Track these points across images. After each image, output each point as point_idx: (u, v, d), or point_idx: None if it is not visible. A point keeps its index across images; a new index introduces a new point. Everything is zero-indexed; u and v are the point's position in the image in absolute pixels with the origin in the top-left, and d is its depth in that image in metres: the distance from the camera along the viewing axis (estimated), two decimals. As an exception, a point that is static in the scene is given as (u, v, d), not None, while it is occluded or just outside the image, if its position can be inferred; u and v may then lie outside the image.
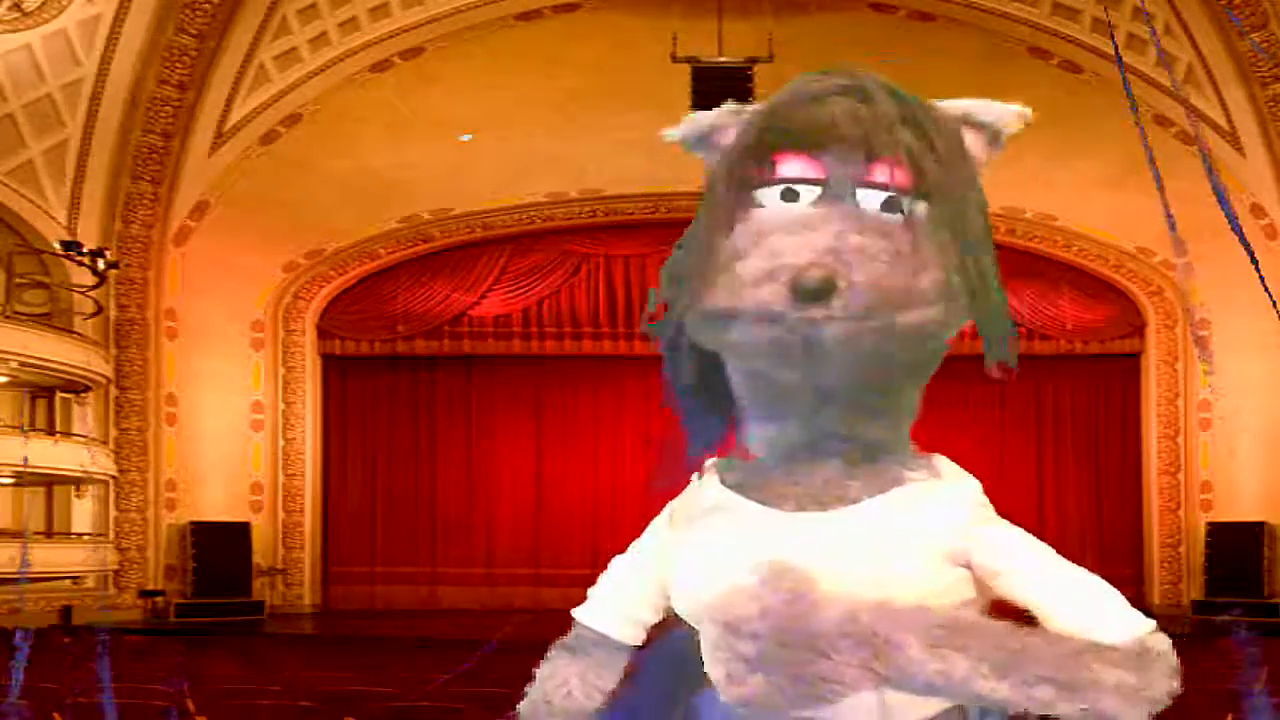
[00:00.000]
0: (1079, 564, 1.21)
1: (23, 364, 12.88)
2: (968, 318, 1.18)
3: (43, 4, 12.11)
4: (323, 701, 5.61)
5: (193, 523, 15.14)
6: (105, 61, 12.96)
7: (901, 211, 1.15)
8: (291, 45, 13.60)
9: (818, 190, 1.15)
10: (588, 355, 16.49)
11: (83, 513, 14.37)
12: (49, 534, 14.39)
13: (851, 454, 1.22)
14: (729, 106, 1.28)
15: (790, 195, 1.16)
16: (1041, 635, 1.13)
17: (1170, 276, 15.96)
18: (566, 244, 16.79)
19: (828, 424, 1.20)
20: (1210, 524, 15.40)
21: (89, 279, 13.67)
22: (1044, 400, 17.14)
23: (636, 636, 1.37)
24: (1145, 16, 12.37)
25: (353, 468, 17.21)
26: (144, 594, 14.69)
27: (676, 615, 1.30)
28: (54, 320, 13.84)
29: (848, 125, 1.14)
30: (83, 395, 14.28)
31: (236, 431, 16.03)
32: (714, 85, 11.16)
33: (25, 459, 12.54)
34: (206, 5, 12.84)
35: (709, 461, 1.33)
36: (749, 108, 1.25)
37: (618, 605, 1.37)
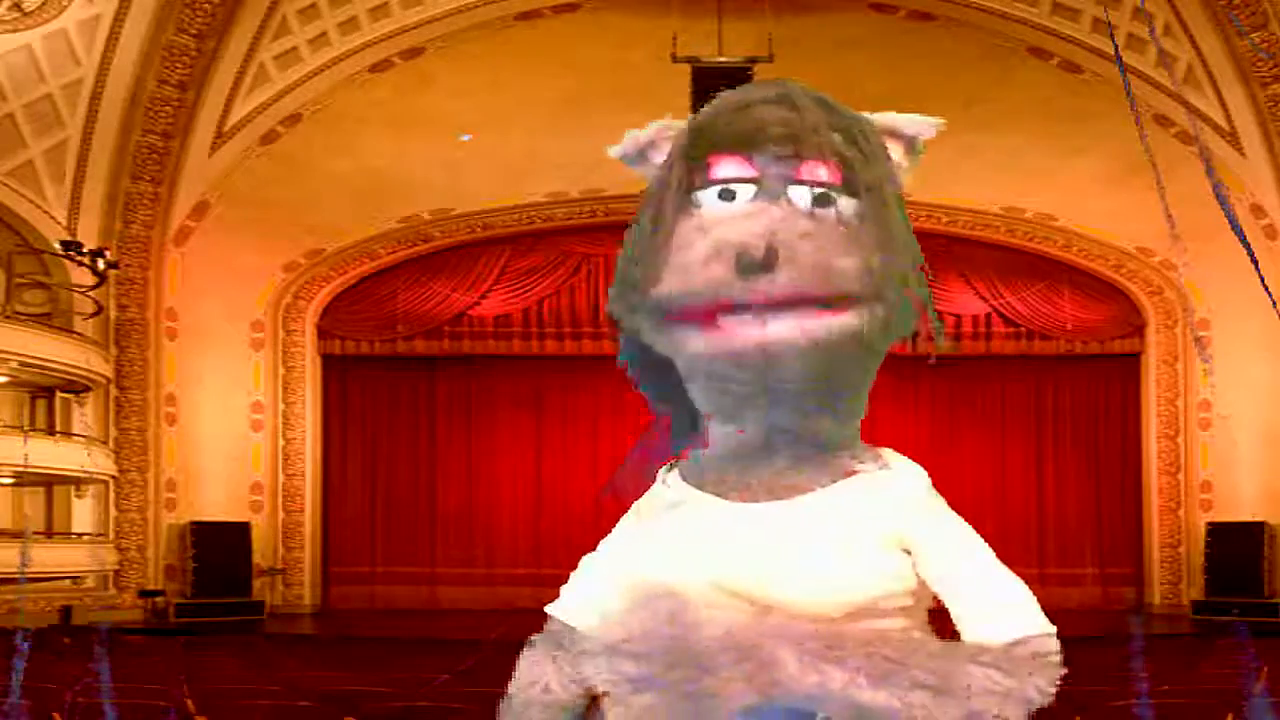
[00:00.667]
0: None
1: (23, 364, 12.88)
2: (896, 308, 1.23)
3: (43, 4, 12.11)
4: (323, 701, 5.61)
5: (193, 523, 15.14)
6: (105, 61, 12.96)
7: (832, 206, 1.21)
8: (291, 45, 13.59)
9: (752, 189, 1.21)
10: (588, 355, 16.48)
11: (83, 513, 14.37)
12: (49, 534, 14.39)
13: (802, 448, 1.27)
14: (662, 122, 1.36)
15: (727, 195, 1.22)
16: (923, 641, 1.18)
17: (1170, 276, 15.96)
18: (566, 244, 16.78)
19: (779, 421, 1.26)
20: (1210, 524, 15.39)
21: (89, 279, 13.67)
22: (1044, 400, 17.14)
23: None
24: (1145, 16, 12.37)
25: (353, 468, 17.21)
26: (144, 594, 14.69)
27: None
28: (54, 320, 13.84)
29: (778, 128, 1.21)
30: (83, 395, 14.28)
31: (236, 431, 16.03)
32: (714, 85, 10.94)
33: (25, 459, 12.54)
34: (206, 5, 12.84)
35: (673, 460, 1.40)
36: (680, 123, 1.33)
37: (589, 600, 1.39)
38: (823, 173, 1.20)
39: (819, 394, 1.24)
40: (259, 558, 15.80)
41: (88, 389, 14.21)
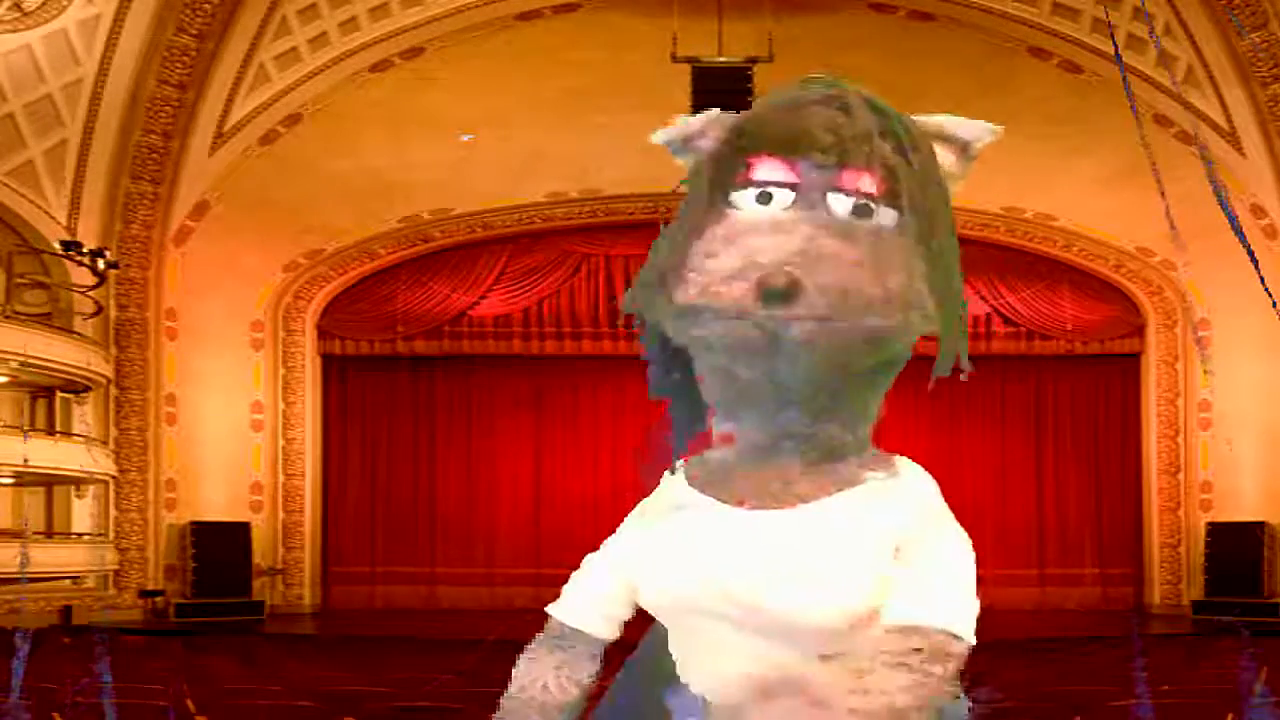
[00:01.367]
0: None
1: (23, 364, 12.87)
2: (929, 326, 1.21)
3: (43, 4, 12.11)
4: (323, 701, 5.61)
5: (193, 523, 15.14)
6: (105, 61, 12.95)
7: (871, 218, 1.17)
8: (291, 45, 13.59)
9: (791, 194, 1.18)
10: (588, 355, 16.48)
11: (83, 513, 14.36)
12: (49, 534, 14.39)
13: (809, 453, 1.25)
14: (713, 113, 1.31)
15: (764, 198, 1.19)
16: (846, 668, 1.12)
17: (1170, 276, 15.96)
18: (566, 244, 16.79)
19: (787, 424, 1.23)
20: (1210, 524, 15.40)
21: (89, 279, 13.67)
22: (1044, 400, 17.14)
23: (611, 632, 1.41)
24: (1145, 16, 12.37)
25: (353, 468, 17.21)
26: (144, 594, 14.69)
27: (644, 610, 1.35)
28: (54, 320, 13.84)
29: (824, 132, 1.17)
30: (83, 395, 14.28)
31: (236, 431, 16.03)
32: (714, 85, 11.15)
33: (25, 459, 12.54)
34: (206, 5, 12.84)
35: (680, 460, 1.37)
36: (732, 114, 1.28)
37: (591, 601, 1.40)
38: (865, 182, 1.17)
39: (829, 397, 1.22)
40: (259, 558, 15.80)
41: (88, 389, 14.20)
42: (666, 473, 1.37)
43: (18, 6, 11.96)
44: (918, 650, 1.12)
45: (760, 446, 1.26)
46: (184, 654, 9.17)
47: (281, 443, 16.48)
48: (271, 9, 13.14)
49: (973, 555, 1.23)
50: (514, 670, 1.40)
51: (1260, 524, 14.78)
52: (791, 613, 1.17)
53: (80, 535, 14.17)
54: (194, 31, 13.00)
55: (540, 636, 1.42)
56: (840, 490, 1.23)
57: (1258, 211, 13.78)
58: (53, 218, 13.65)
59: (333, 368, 17.12)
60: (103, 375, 14.19)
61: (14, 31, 12.19)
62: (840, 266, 1.13)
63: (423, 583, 16.99)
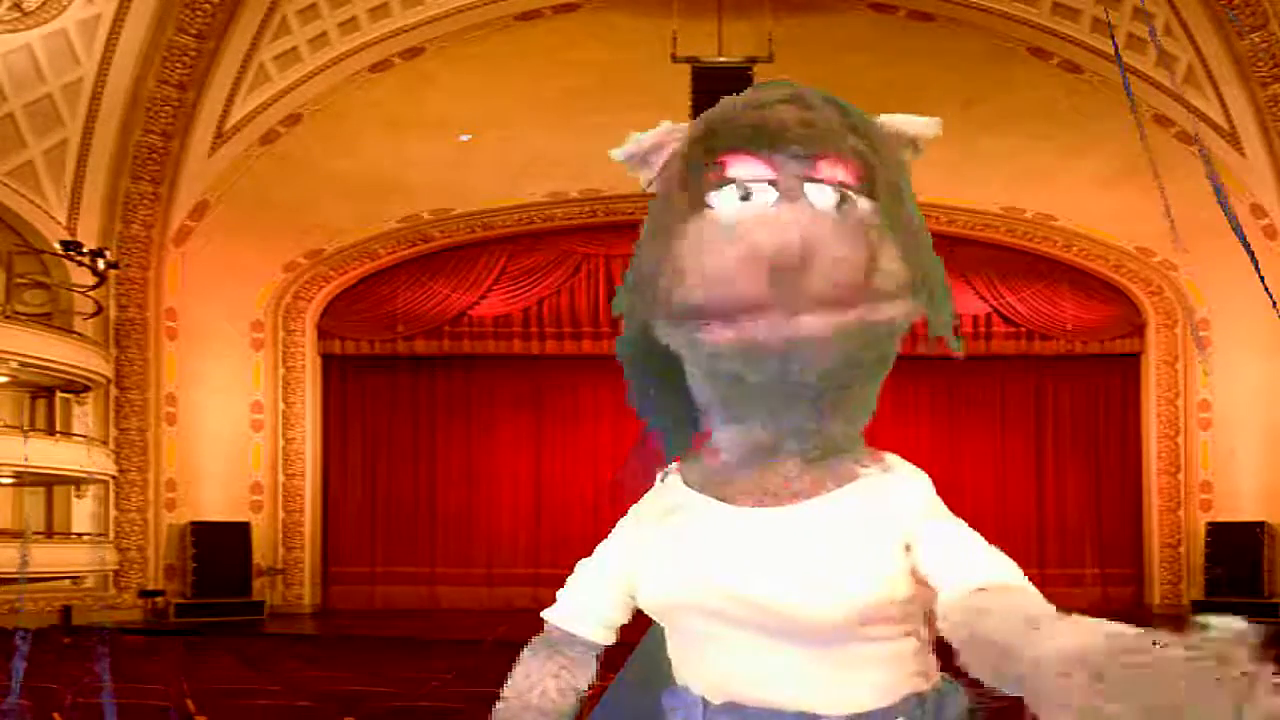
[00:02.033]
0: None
1: (23, 364, 12.88)
2: (921, 310, 1.22)
3: (43, 4, 12.11)
4: (323, 701, 5.61)
5: (193, 523, 15.15)
6: (105, 61, 12.95)
7: (854, 208, 1.18)
8: (291, 45, 13.59)
9: (771, 189, 1.18)
10: (588, 355, 16.48)
11: (83, 513, 14.37)
12: (49, 534, 14.39)
13: (812, 451, 1.25)
14: (666, 125, 1.32)
15: (743, 195, 1.19)
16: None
17: (1170, 276, 15.96)
18: (566, 244, 16.79)
19: (793, 422, 1.23)
20: (1210, 524, 15.40)
21: (89, 279, 13.67)
22: (1044, 400, 17.14)
23: (607, 636, 1.40)
24: (1145, 16, 12.37)
25: (353, 468, 17.21)
26: (144, 594, 14.69)
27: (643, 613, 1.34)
28: (54, 320, 13.84)
29: (796, 126, 1.18)
30: (83, 395, 14.28)
31: (236, 431, 16.03)
32: (714, 85, 11.09)
33: (25, 459, 12.55)
34: (206, 5, 12.84)
35: (672, 464, 1.37)
36: (683, 125, 1.30)
37: (586, 606, 1.39)
38: (841, 173, 1.18)
39: (836, 394, 1.22)
40: (259, 558, 15.81)
41: (88, 389, 14.21)
42: (659, 476, 1.37)
43: (18, 6, 11.96)
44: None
45: (762, 446, 1.26)
46: (184, 654, 9.17)
47: (281, 443, 16.48)
48: (271, 9, 13.14)
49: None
50: (511, 675, 1.39)
51: (1260, 524, 14.78)
52: (794, 609, 1.17)
53: (80, 535, 14.18)
54: (194, 31, 13.00)
55: (536, 641, 1.41)
56: (839, 486, 1.24)
57: (1258, 211, 13.78)
58: (53, 218, 13.65)
59: (333, 368, 17.12)
60: (103, 375, 14.19)
61: (14, 31, 12.19)
62: (838, 258, 1.14)
63: (423, 583, 16.99)
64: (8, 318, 13.05)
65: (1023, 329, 16.57)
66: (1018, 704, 1.00)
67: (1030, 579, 1.16)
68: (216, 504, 15.57)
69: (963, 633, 1.03)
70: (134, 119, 13.51)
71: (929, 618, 1.21)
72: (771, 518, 1.23)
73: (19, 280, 13.85)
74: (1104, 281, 16.53)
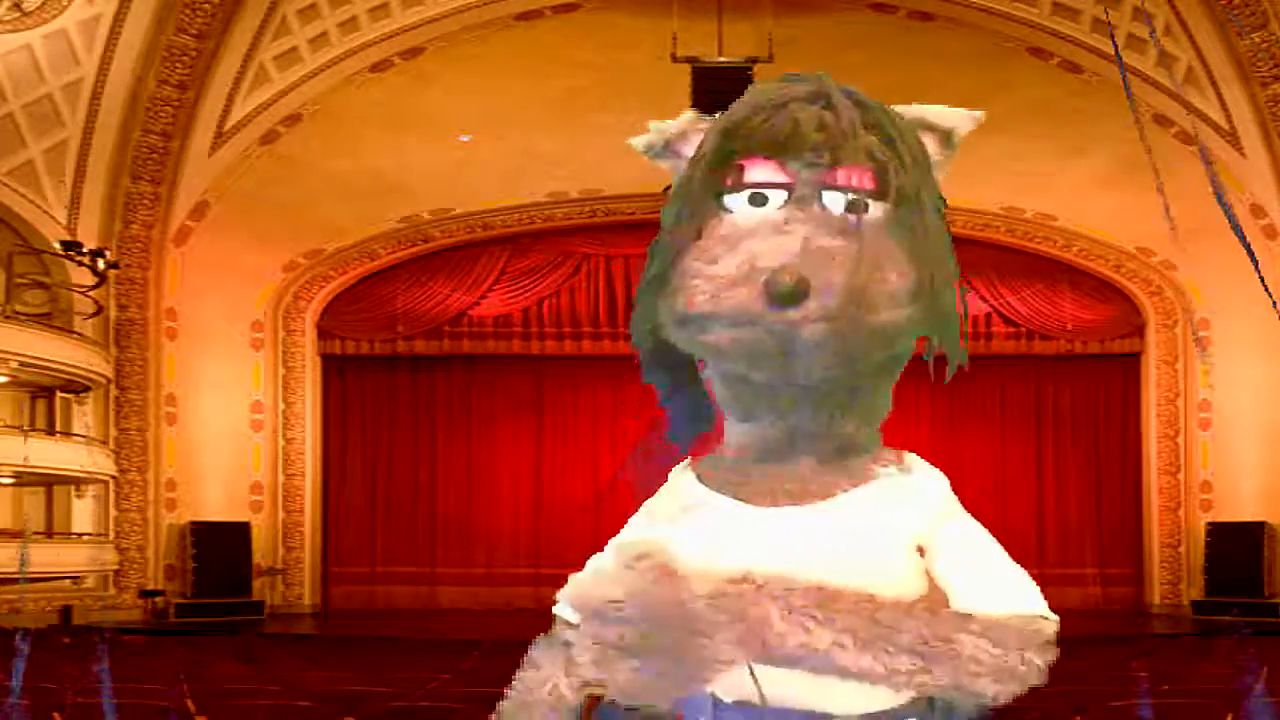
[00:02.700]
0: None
1: (23, 364, 12.88)
2: (931, 319, 1.22)
3: (43, 4, 12.11)
4: (323, 701, 5.61)
5: (193, 523, 15.14)
6: (105, 61, 12.95)
7: (865, 213, 1.18)
8: (291, 45, 13.59)
9: (784, 194, 1.19)
10: (588, 355, 16.48)
11: (83, 513, 14.37)
12: (49, 534, 14.39)
13: (824, 451, 1.26)
14: (691, 115, 1.32)
15: (758, 199, 1.20)
16: (918, 609, 1.14)
17: (1170, 276, 15.96)
18: (566, 244, 16.79)
19: (802, 422, 1.24)
20: (1210, 524, 15.39)
21: (89, 279, 13.67)
22: (1044, 400, 17.14)
23: None
24: (1145, 16, 12.37)
25: (353, 468, 17.21)
26: (144, 594, 14.69)
27: None
28: (54, 320, 13.84)
29: (812, 131, 1.18)
30: (83, 395, 14.28)
31: (236, 431, 16.03)
32: (714, 85, 11.15)
33: (25, 459, 12.55)
34: (206, 5, 12.84)
35: (685, 461, 1.37)
36: (711, 116, 1.29)
37: None
38: (857, 178, 1.18)
39: (843, 394, 1.23)
40: (259, 558, 15.80)
41: (88, 389, 14.21)
42: (672, 473, 1.37)
43: (18, 6, 11.96)
44: (1030, 631, 1.14)
45: (775, 446, 1.26)
46: (184, 654, 9.17)
47: (281, 442, 16.48)
48: (271, 9, 13.14)
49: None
50: (520, 671, 1.37)
51: (1260, 524, 14.78)
52: None
53: (80, 535, 14.18)
54: (194, 31, 13.00)
55: (546, 638, 1.39)
56: (855, 486, 1.24)
57: (1258, 211, 13.78)
58: (53, 218, 13.65)
59: (333, 368, 17.13)
60: (103, 375, 14.19)
61: (14, 31, 12.19)
62: (842, 264, 1.14)
63: (423, 583, 16.99)
64: (8, 318, 13.06)
65: (1023, 329, 16.57)
66: (1019, 708, 1.03)
67: (1030, 578, 1.18)
68: (216, 504, 15.57)
69: None
70: (134, 119, 13.51)
71: None
72: (790, 518, 1.23)
73: (19, 280, 13.85)
74: (1104, 281, 16.53)
